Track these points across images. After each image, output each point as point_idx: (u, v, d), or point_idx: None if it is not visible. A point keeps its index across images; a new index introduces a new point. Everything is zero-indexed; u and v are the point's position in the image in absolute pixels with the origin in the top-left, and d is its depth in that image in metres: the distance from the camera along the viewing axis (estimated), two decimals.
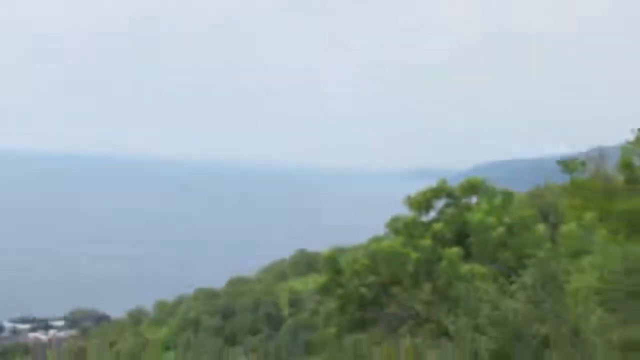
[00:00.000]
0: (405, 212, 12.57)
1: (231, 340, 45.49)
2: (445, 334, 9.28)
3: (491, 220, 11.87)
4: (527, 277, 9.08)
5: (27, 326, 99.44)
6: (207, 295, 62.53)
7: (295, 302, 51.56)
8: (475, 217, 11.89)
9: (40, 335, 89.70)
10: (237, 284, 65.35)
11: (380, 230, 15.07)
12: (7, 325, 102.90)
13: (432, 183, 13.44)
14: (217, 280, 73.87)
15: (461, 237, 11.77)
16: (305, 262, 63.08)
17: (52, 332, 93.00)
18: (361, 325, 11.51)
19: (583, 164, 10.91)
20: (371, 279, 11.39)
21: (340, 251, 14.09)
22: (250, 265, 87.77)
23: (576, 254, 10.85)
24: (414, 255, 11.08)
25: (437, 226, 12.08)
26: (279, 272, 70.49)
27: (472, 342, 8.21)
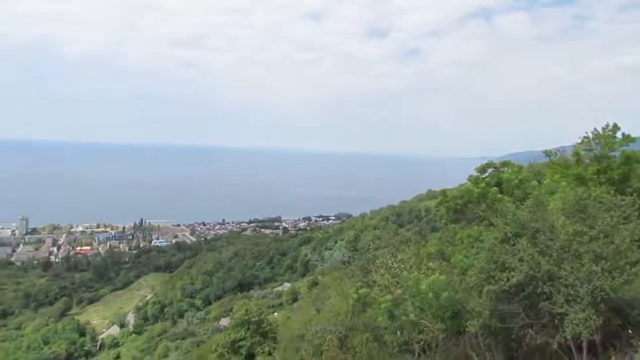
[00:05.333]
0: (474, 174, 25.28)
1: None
2: (492, 224, 20.77)
3: (512, 177, 24.21)
4: (530, 201, 14.97)
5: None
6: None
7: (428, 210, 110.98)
8: (505, 175, 24.28)
9: None
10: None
11: None
12: None
13: (485, 161, 26.25)
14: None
15: (499, 184, 24.20)
16: (432, 195, 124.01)
17: None
18: (455, 221, 24.35)
19: (555, 153, 23.69)
20: (458, 200, 23.93)
21: (447, 189, 26.63)
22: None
23: (550, 193, 23.13)
24: (477, 190, 23.62)
25: (487, 179, 24.48)
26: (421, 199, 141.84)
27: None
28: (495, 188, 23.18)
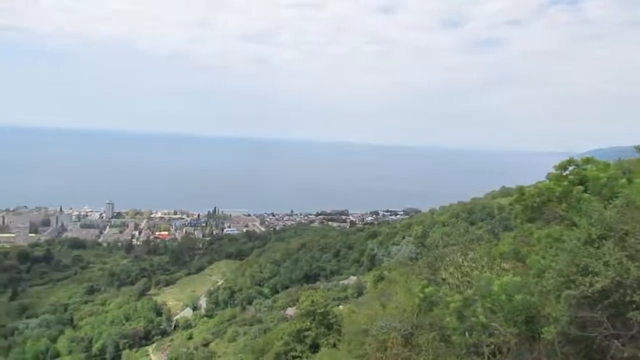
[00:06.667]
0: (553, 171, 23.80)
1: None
2: (574, 224, 19.37)
3: (599, 175, 22.46)
4: (619, 200, 14.14)
5: None
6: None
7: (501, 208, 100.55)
8: (590, 173, 22.55)
9: None
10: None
11: None
12: None
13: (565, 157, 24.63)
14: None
15: (582, 182, 22.52)
16: (506, 192, 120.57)
17: None
18: (531, 220, 23.11)
19: None
20: (536, 198, 22.64)
21: (524, 186, 25.41)
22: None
23: None
24: (559, 188, 22.17)
25: (570, 177, 22.90)
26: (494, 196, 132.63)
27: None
28: (580, 187, 21.61)
